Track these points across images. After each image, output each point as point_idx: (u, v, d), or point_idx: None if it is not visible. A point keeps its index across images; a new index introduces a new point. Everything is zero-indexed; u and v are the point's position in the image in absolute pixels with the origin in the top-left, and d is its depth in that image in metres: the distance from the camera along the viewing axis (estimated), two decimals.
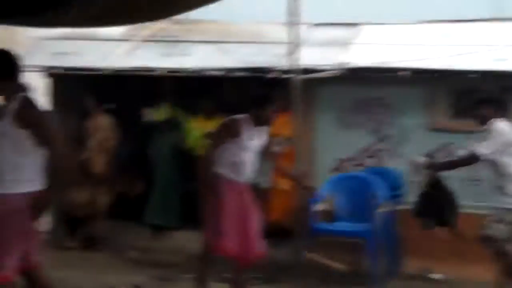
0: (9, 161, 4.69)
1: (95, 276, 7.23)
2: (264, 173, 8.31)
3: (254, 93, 6.81)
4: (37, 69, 8.93)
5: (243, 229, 6.23)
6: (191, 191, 9.21)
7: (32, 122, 4.71)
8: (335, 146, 8.29)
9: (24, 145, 4.71)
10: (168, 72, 8.57)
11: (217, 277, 7.23)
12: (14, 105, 4.70)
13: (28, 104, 4.77)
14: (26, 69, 8.78)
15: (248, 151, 6.28)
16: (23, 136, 4.69)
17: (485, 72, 7.77)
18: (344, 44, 8.97)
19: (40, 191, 4.71)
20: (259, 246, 6.36)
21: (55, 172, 4.73)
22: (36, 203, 4.69)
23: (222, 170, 6.24)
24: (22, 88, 4.88)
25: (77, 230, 8.79)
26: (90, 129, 8.72)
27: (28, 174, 4.73)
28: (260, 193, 8.42)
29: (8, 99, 4.79)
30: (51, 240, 8.92)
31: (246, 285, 6.61)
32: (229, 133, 6.20)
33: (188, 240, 8.68)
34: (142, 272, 7.43)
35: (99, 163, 8.72)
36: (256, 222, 6.35)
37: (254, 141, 6.30)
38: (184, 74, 8.57)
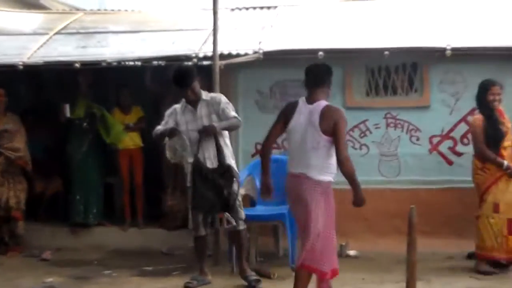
0: None
1: (10, 280, 6.98)
2: None
3: None
4: None
5: None
6: (111, 186, 9.20)
7: None
8: (256, 130, 8.22)
9: None
10: (84, 65, 8.34)
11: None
12: None
13: None
14: None
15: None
16: None
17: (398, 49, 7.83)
18: (261, 27, 8.97)
19: None
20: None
21: None
22: None
23: None
24: None
25: None
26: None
27: None
28: None
29: None
30: None
31: None
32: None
33: (107, 236, 8.61)
34: (59, 272, 7.25)
35: (28, 162, 8.46)
36: None
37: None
38: (101, 66, 8.34)
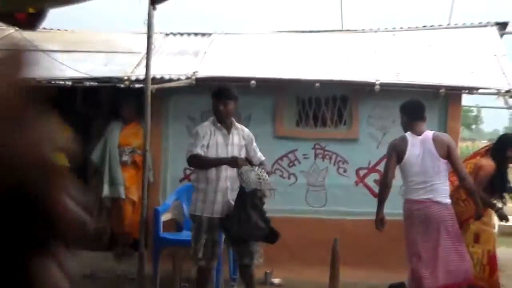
0: None
1: None
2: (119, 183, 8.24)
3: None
4: None
5: None
6: None
7: None
8: (185, 156, 8.22)
9: None
10: None
11: None
12: None
13: None
14: None
15: None
16: None
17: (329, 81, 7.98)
18: (195, 53, 9.00)
19: None
20: None
21: None
22: None
23: None
24: None
25: None
26: None
27: None
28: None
29: None
30: None
31: None
32: None
33: None
34: None
35: None
36: None
37: None
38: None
